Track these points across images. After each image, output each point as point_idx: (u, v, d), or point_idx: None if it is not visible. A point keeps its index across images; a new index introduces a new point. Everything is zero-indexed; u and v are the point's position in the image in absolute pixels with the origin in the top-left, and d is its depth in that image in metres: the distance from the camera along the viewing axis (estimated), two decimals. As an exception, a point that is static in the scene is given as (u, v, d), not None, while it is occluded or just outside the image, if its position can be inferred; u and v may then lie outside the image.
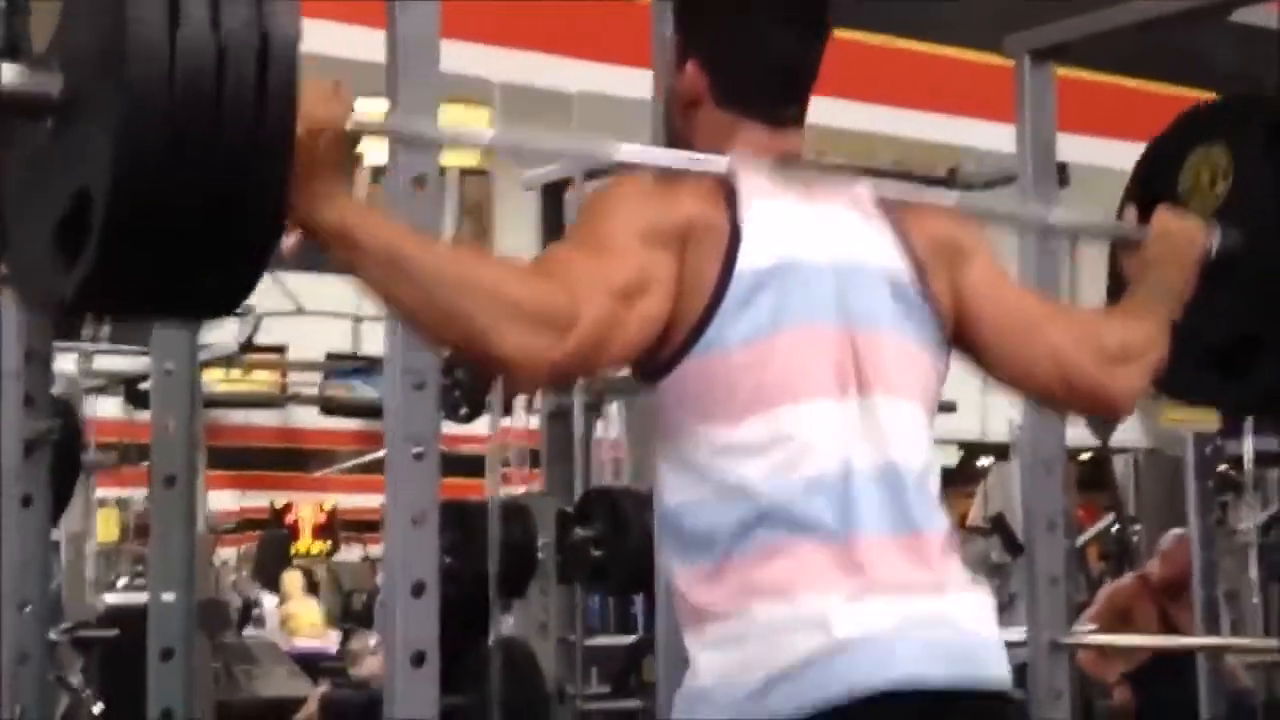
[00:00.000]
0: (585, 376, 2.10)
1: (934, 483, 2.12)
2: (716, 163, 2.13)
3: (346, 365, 9.93)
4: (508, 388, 5.72)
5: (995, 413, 6.82)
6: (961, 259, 2.23)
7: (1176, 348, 2.41)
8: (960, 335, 2.22)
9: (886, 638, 1.97)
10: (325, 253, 1.91)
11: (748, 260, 2.05)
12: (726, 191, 2.10)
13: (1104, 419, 2.45)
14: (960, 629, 2.03)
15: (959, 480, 11.36)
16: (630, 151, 2.18)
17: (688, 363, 2.04)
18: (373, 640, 8.33)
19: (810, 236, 2.11)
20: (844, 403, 2.06)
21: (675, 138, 2.27)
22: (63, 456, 4.63)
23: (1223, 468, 7.64)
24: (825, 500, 2.01)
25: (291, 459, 14.78)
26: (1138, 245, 2.51)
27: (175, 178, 1.72)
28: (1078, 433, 9.36)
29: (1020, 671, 2.52)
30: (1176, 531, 7.40)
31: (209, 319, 3.13)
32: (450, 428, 5.85)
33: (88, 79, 1.77)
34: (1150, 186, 2.71)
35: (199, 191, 1.73)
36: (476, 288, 1.92)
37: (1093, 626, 7.29)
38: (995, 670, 2.05)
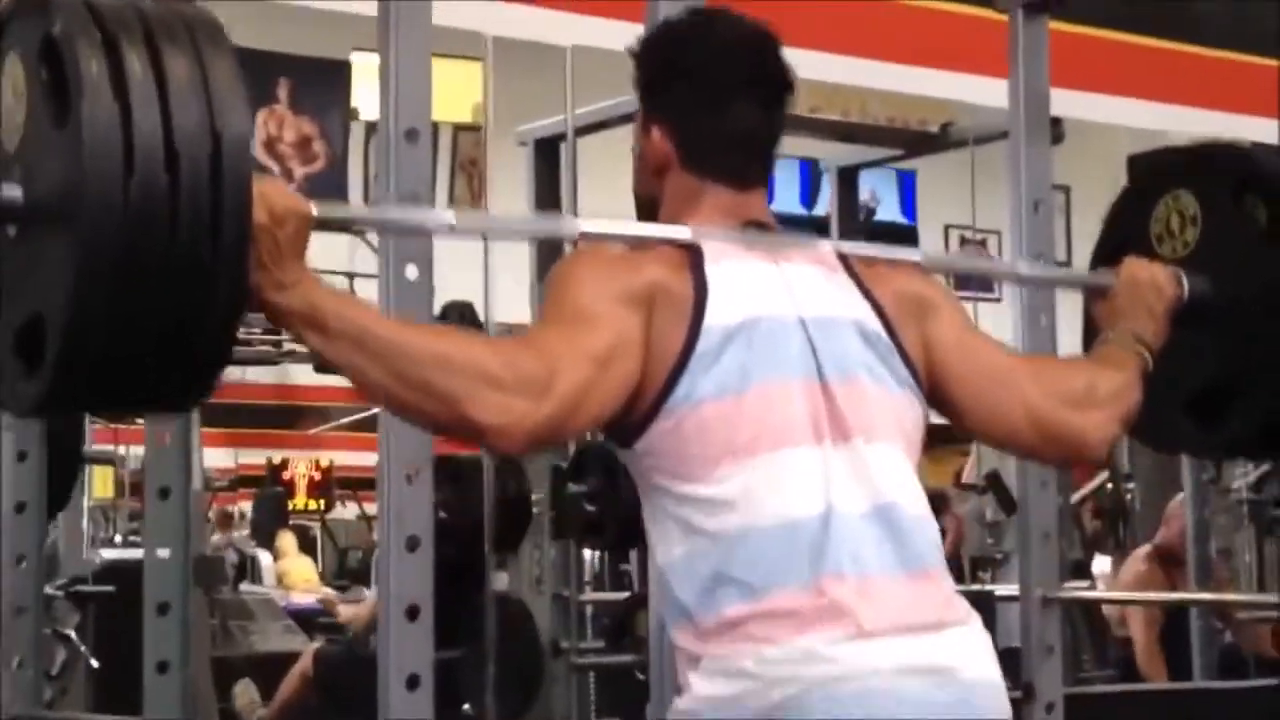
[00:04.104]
0: (562, 440, 2.13)
1: (933, 526, 2.12)
2: (680, 231, 2.16)
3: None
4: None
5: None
6: (928, 313, 2.24)
7: (1151, 395, 2.41)
8: (931, 388, 2.22)
9: (877, 678, 1.96)
10: (291, 334, 1.93)
11: (714, 318, 2.06)
12: (691, 255, 2.11)
13: (1079, 463, 2.44)
14: (956, 670, 2.02)
15: (955, 439, 11.37)
16: (592, 227, 2.20)
17: (659, 422, 2.05)
18: (369, 595, 8.35)
19: (776, 293, 2.12)
20: (821, 449, 2.06)
21: (643, 198, 2.30)
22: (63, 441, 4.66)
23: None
24: (797, 548, 2.00)
25: (286, 416, 14.79)
26: (1108, 295, 2.53)
27: (130, 298, 1.74)
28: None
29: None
30: (1180, 497, 7.42)
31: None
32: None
33: (48, 189, 1.79)
34: (1121, 233, 2.72)
35: (153, 310, 1.75)
36: (451, 359, 1.94)
37: (1098, 590, 7.35)
38: (992, 712, 2.06)
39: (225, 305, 1.80)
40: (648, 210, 2.28)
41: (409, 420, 2.08)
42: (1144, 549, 7.62)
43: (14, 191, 1.83)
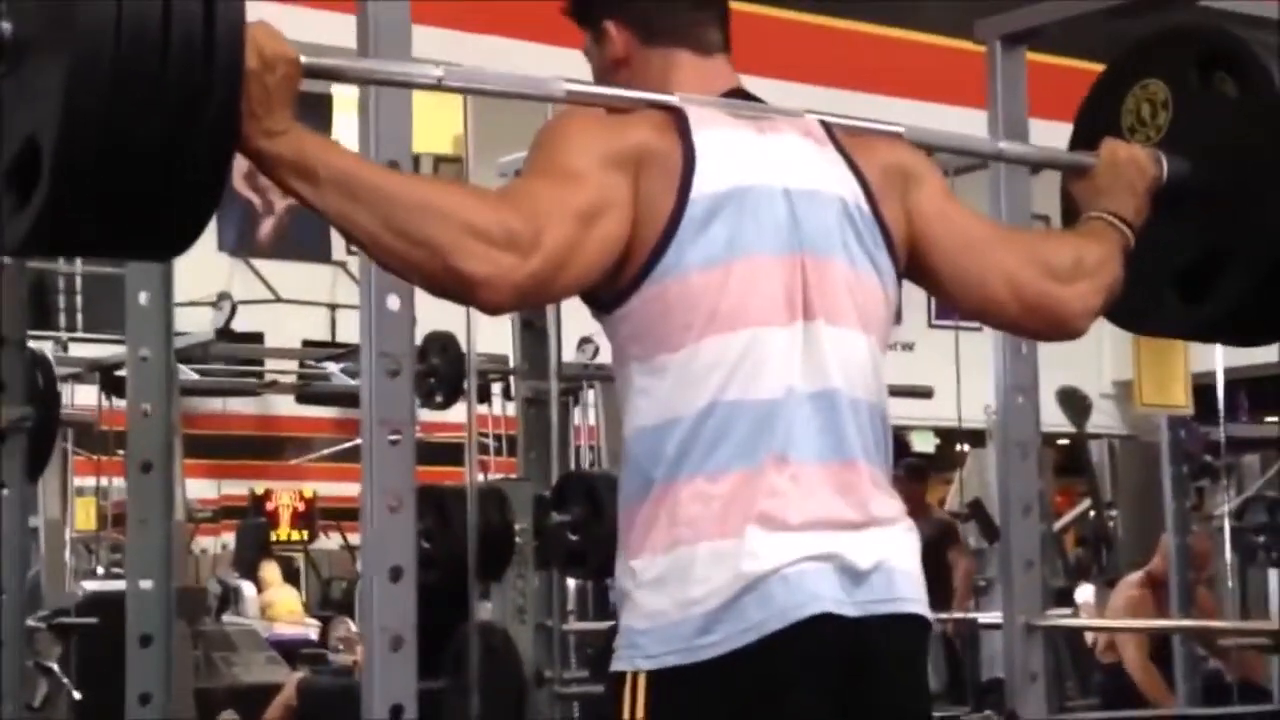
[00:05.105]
0: (547, 299, 2.19)
1: (876, 414, 2.14)
2: (666, 97, 2.16)
3: (323, 353, 9.92)
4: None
5: (972, 399, 6.84)
6: (912, 185, 2.25)
7: (1133, 277, 2.43)
8: (913, 260, 2.25)
9: (798, 574, 2.00)
10: (280, 185, 1.93)
11: (703, 185, 2.07)
12: (677, 121, 2.12)
13: (1061, 337, 2.43)
14: (874, 567, 2.06)
15: (937, 466, 11.38)
16: (579, 87, 2.20)
17: (645, 289, 2.06)
18: (354, 626, 8.34)
19: (763, 163, 2.13)
20: (791, 330, 2.08)
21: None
22: (39, 418, 4.63)
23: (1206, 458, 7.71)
24: (755, 429, 2.04)
25: (269, 447, 14.76)
26: (1089, 175, 2.54)
27: (122, 123, 1.73)
28: (1054, 419, 9.38)
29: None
30: None
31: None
32: (427, 415, 5.86)
33: (37, 21, 1.78)
34: (1092, 129, 2.73)
35: (146, 135, 1.74)
36: (439, 210, 1.94)
37: (1082, 618, 7.36)
38: (909, 606, 2.10)
39: (217, 130, 1.79)
40: None
41: (398, 272, 2.06)
42: (1136, 575, 7.64)
43: (2, 28, 1.82)
